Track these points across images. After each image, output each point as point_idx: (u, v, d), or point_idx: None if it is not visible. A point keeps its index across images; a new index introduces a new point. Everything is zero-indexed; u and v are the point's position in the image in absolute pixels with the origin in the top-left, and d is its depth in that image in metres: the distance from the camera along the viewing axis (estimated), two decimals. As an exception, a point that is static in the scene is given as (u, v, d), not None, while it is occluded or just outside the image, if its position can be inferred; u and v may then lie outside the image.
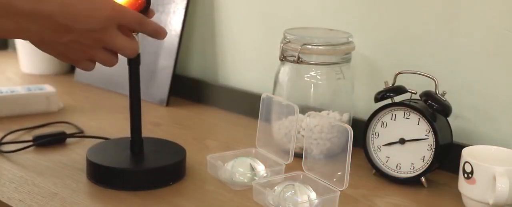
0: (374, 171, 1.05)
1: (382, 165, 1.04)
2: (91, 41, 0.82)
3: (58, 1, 0.76)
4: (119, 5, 0.83)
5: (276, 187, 0.91)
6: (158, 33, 0.88)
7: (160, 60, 1.40)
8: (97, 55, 0.85)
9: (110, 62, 0.87)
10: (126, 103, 1.03)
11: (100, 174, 0.97)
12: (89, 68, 0.87)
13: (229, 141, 1.20)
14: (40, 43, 0.83)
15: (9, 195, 0.92)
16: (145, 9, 0.92)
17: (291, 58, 1.07)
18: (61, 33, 0.79)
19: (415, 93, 1.04)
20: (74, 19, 0.78)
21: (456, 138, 1.04)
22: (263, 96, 1.08)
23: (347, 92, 1.12)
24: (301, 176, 0.98)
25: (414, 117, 1.00)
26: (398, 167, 1.02)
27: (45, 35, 0.79)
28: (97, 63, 0.88)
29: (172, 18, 1.40)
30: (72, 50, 0.83)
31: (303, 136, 1.07)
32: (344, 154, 0.92)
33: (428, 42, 1.11)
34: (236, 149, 1.10)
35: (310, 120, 1.05)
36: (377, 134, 1.04)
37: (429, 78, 1.02)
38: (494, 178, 0.87)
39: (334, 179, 0.94)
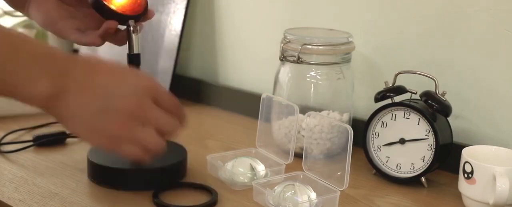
0: (374, 171, 1.05)
1: (382, 165, 1.04)
2: (125, 113, 0.74)
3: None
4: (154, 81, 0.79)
5: (276, 187, 0.91)
6: None
7: (160, 60, 1.40)
8: (137, 133, 0.76)
9: (156, 143, 0.77)
10: (126, 103, 1.03)
11: (101, 174, 0.97)
12: (134, 155, 0.77)
13: (229, 141, 1.20)
14: (72, 117, 0.74)
15: (9, 195, 0.92)
16: (145, 9, 0.93)
17: (291, 58, 1.07)
18: (90, 96, 0.74)
19: (415, 93, 1.04)
20: (106, 83, 0.74)
21: (456, 138, 1.04)
22: (263, 96, 1.08)
23: (347, 92, 1.12)
24: (301, 176, 0.98)
25: (414, 117, 1.00)
26: (398, 167, 1.02)
27: (77, 99, 0.73)
28: None
29: (172, 18, 1.40)
30: (105, 121, 0.74)
31: (303, 136, 1.07)
32: (344, 154, 0.92)
33: (428, 42, 1.11)
34: (236, 149, 1.10)
35: (310, 120, 1.05)
36: (377, 134, 1.04)
37: (429, 78, 1.02)
38: (494, 178, 0.87)
39: (334, 179, 0.94)
